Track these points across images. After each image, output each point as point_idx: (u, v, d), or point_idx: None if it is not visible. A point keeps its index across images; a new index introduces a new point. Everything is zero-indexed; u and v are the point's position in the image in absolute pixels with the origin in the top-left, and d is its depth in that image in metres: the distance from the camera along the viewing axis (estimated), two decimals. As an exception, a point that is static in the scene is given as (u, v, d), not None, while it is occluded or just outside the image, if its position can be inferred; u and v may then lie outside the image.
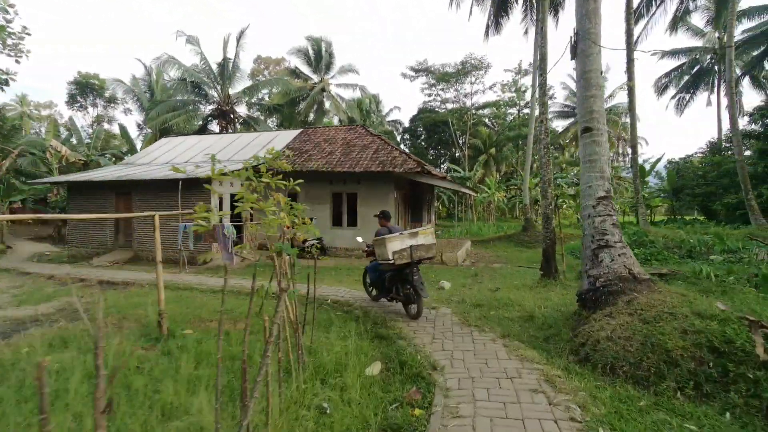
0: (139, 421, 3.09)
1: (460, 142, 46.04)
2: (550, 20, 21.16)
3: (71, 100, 30.69)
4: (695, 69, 33.25)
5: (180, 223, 12.17)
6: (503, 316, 6.09)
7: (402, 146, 46.59)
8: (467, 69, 43.78)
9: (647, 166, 30.59)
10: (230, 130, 29.31)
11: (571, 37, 5.69)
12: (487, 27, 22.08)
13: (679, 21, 29.30)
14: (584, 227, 5.27)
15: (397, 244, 5.53)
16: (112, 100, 28.84)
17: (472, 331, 5.33)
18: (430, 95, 47.50)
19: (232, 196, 15.53)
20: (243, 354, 2.50)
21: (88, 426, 2.97)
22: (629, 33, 18.87)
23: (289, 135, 18.22)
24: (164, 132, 26.76)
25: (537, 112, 13.49)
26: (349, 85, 38.64)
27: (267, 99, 38.58)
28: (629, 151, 45.77)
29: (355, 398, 3.45)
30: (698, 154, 32.56)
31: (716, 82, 32.56)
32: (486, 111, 48.49)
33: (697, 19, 31.57)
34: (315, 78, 37.34)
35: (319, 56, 36.06)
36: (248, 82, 30.60)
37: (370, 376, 3.90)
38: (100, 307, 1.75)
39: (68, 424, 3.00)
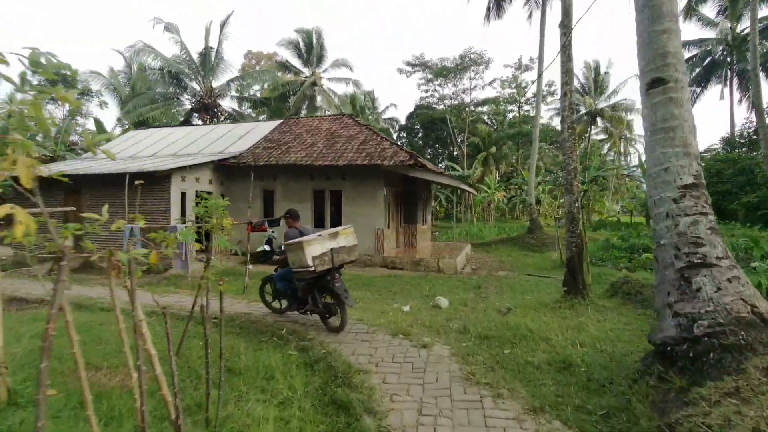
0: None
1: (459, 140, 44.23)
2: None
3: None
4: (706, 61, 31.55)
5: (126, 225, 10.22)
6: (525, 361, 4.20)
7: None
8: (466, 64, 41.97)
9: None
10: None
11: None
12: (488, 9, 20.27)
13: (691, 10, 27.63)
14: (658, 233, 3.42)
15: (316, 247, 4.84)
16: (85, 93, 26.80)
17: (481, 396, 3.44)
18: (427, 91, 45.71)
19: (199, 194, 13.55)
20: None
21: None
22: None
23: (268, 126, 16.32)
24: (141, 126, 24.78)
25: (558, 92, 11.54)
26: (342, 79, 36.79)
27: (256, 93, 36.69)
28: (636, 149, 44.12)
29: None
30: (712, 151, 30.73)
31: (728, 74, 30.85)
32: (485, 108, 46.72)
33: (708, 10, 29.95)
34: (306, 71, 35.47)
35: (310, 48, 34.19)
36: (233, 74, 28.60)
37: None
38: None
39: None
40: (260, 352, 4.42)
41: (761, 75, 30.21)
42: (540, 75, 18.08)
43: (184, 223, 10.98)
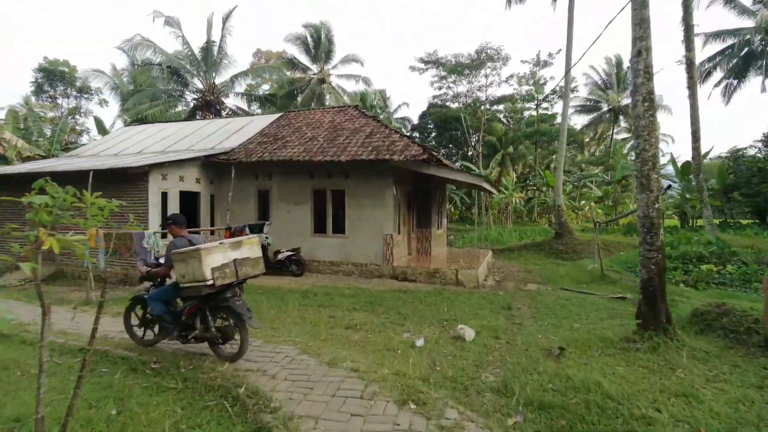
0: None
1: (474, 139, 42.37)
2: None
3: (38, 90, 27.53)
4: (744, 51, 29.13)
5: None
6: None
7: (410, 144, 42.94)
8: (482, 60, 40.04)
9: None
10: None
11: None
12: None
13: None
14: None
15: (217, 257, 4.13)
16: (84, 90, 25.72)
17: None
18: (440, 88, 43.88)
19: (184, 194, 12.09)
20: None
21: None
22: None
23: (265, 120, 14.78)
24: (140, 123, 23.56)
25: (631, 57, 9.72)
26: (352, 76, 35.36)
27: (263, 91, 35.45)
28: (661, 149, 41.70)
29: None
30: (754, 148, 28.24)
31: (769, 65, 28.36)
32: (501, 106, 44.76)
33: (747, -3, 27.57)
34: (314, 68, 34.05)
35: (318, 44, 32.77)
36: (236, 71, 27.25)
37: None
38: None
39: None
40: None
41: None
42: (568, 58, 16.09)
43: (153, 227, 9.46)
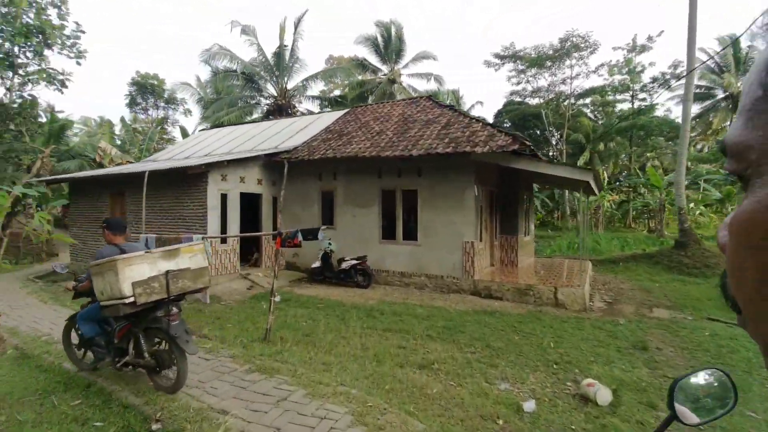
0: None
1: (557, 137, 38.65)
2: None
3: (132, 103, 30.04)
4: None
5: (143, 235, 8.11)
6: None
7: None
8: (567, 49, 36.32)
9: None
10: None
11: None
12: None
13: None
14: None
15: (141, 268, 3.40)
16: (170, 101, 27.37)
17: None
18: (518, 83, 40.70)
19: (245, 195, 11.25)
20: None
21: None
22: None
23: (331, 117, 13.83)
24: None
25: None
26: (423, 74, 34.00)
27: (334, 93, 35.42)
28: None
29: None
30: None
31: None
32: (588, 100, 40.41)
33: None
34: (384, 69, 33.22)
35: (389, 43, 31.89)
36: (307, 74, 27.19)
37: None
38: None
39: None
40: None
41: None
42: (692, 29, 12.84)
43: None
